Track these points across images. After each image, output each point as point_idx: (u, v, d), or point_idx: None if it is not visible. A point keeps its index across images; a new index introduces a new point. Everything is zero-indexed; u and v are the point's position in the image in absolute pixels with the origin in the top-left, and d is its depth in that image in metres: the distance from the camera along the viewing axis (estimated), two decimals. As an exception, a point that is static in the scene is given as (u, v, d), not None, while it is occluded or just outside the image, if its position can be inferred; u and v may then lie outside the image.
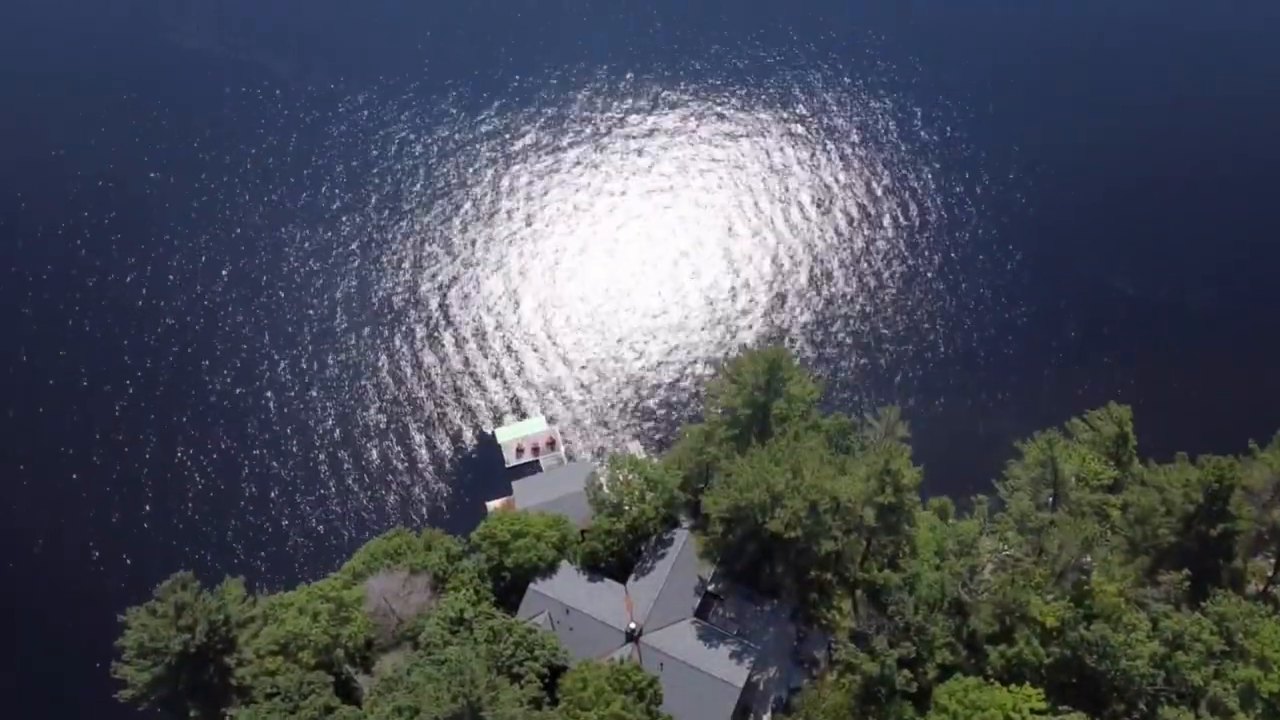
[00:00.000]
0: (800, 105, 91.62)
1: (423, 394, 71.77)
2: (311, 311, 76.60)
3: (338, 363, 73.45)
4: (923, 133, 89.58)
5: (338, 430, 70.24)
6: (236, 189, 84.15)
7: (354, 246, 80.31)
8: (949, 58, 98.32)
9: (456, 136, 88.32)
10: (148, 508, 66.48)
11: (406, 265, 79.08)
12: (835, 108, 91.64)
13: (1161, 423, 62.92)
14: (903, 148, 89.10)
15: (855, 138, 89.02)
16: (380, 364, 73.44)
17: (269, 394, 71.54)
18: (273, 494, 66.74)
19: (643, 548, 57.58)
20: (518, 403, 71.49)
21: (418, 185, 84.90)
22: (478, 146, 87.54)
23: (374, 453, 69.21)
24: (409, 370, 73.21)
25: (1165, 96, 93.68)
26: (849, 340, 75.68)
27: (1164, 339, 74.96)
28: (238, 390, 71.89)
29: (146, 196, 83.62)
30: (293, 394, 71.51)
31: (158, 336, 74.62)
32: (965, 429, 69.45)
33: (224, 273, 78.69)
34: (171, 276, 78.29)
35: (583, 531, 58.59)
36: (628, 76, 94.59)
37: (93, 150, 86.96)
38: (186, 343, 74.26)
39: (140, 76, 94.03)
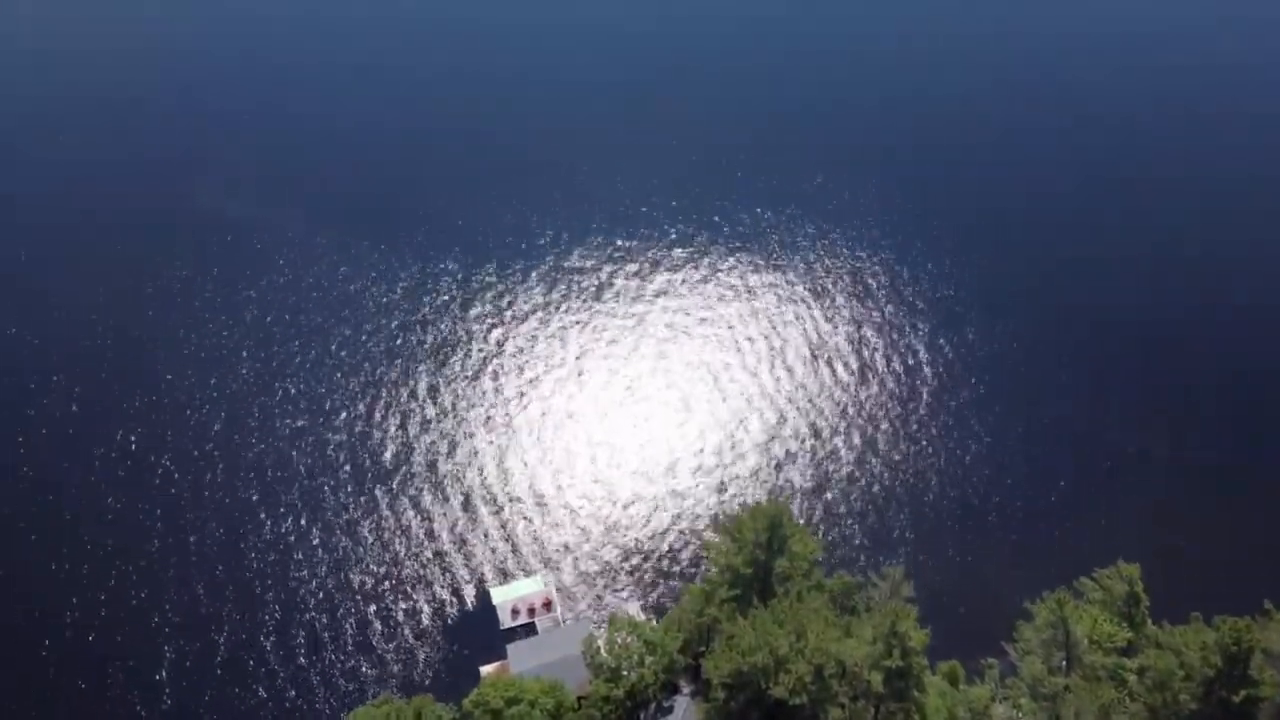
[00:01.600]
0: (790, 263, 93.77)
1: (413, 553, 69.99)
2: (301, 469, 75.65)
3: (324, 521, 71.91)
4: (912, 287, 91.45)
5: (322, 592, 67.93)
6: (235, 343, 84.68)
7: (346, 403, 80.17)
8: (936, 209, 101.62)
9: (454, 294, 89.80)
10: (120, 675, 63.49)
11: (397, 422, 78.71)
12: (825, 265, 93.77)
13: (1172, 581, 61.53)
14: (893, 303, 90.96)
15: (846, 294, 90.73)
16: (368, 522, 71.91)
17: (253, 553, 69.57)
18: (250, 662, 63.89)
19: (642, 715, 55.17)
20: (512, 563, 69.72)
21: (413, 341, 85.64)
22: (475, 304, 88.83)
23: (362, 615, 66.70)
24: (398, 529, 71.64)
25: (1151, 247, 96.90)
26: (850, 496, 74.76)
27: (1167, 494, 74.13)
28: (219, 547, 69.98)
29: (145, 346, 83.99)
30: (277, 554, 69.61)
31: (145, 488, 73.22)
32: (971, 588, 67.75)
33: (215, 427, 78.13)
34: (162, 431, 77.48)
35: (579, 698, 56.16)
36: (623, 236, 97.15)
37: (95, 302, 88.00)
38: (174, 496, 72.86)
39: (150, 230, 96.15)
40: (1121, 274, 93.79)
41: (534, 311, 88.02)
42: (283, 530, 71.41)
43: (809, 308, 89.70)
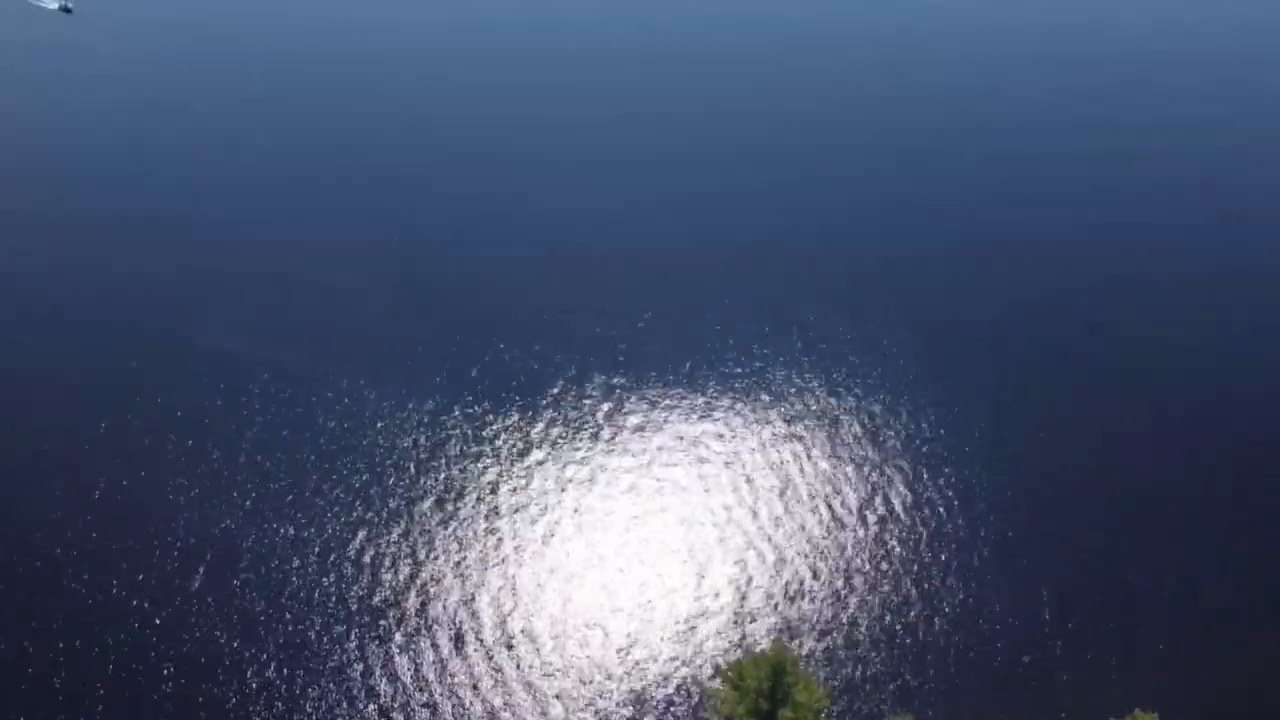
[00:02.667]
0: (790, 399, 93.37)
1: (402, 701, 66.84)
2: (288, 614, 73.04)
3: (307, 671, 68.99)
4: (914, 423, 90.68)
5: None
6: (227, 482, 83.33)
7: (333, 544, 78.16)
8: (942, 349, 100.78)
9: (448, 435, 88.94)
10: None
11: (386, 565, 76.49)
12: (825, 402, 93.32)
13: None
14: (896, 440, 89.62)
15: (848, 432, 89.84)
16: (354, 672, 68.95)
17: (230, 704, 66.51)
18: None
19: None
20: (505, 713, 66.52)
21: (407, 480, 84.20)
22: (470, 447, 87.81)
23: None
24: (385, 673, 68.64)
25: (1163, 368, 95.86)
26: (856, 642, 71.95)
27: (1183, 637, 71.66)
28: (198, 698, 66.92)
29: (136, 488, 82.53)
30: (255, 708, 66.54)
31: (124, 635, 70.35)
32: (984, 738, 64.61)
33: (200, 569, 75.85)
34: (145, 576, 75.22)
35: None
36: (620, 377, 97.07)
37: (91, 444, 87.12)
38: (149, 642, 70.03)
39: (148, 368, 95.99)
40: (1138, 395, 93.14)
41: (531, 451, 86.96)
42: (264, 679, 68.34)
43: (809, 445, 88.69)
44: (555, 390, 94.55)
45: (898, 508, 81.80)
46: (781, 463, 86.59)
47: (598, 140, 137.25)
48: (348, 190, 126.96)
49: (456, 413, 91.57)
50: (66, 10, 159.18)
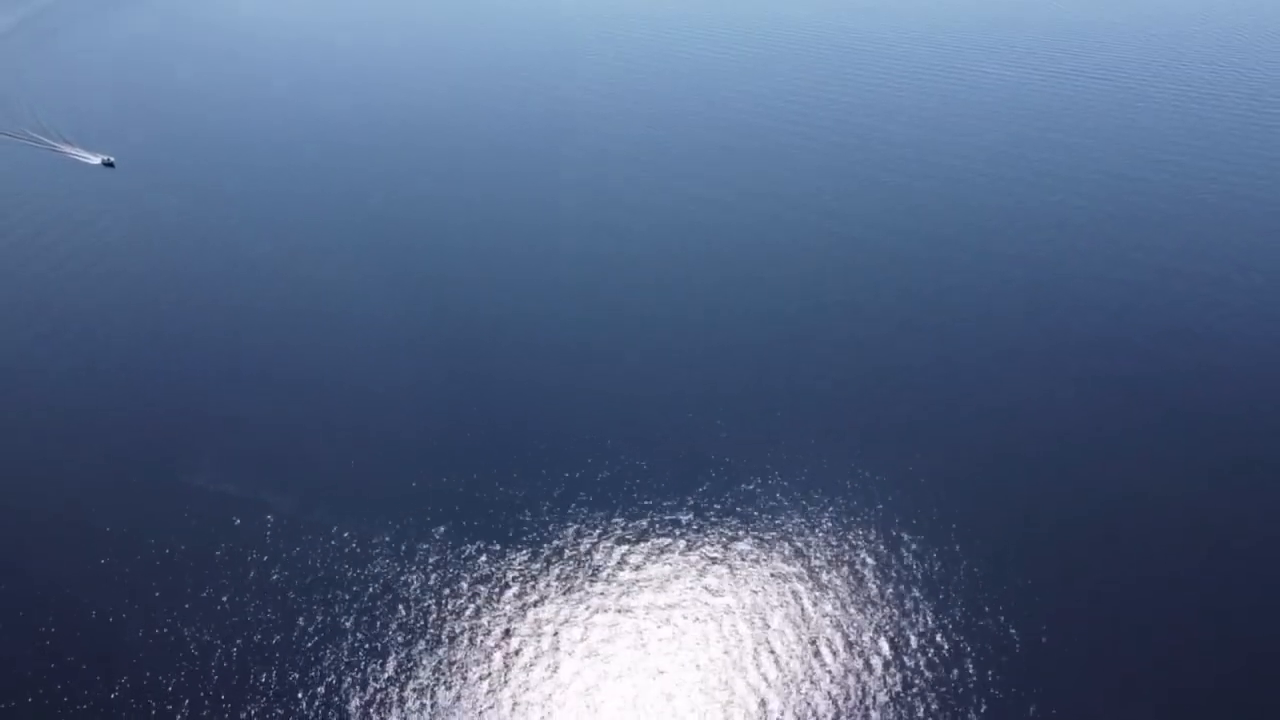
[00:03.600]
0: (791, 541, 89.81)
1: None
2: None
3: None
4: (910, 570, 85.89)
5: None
6: (213, 629, 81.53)
7: (323, 691, 76.58)
8: (955, 486, 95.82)
9: (443, 572, 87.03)
10: None
11: (379, 712, 74.71)
12: (817, 544, 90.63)
13: None
14: (891, 586, 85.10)
15: (841, 578, 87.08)
16: None
17: None
18: None
19: None
20: None
21: (394, 625, 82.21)
22: (469, 595, 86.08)
23: None
24: None
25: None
26: None
27: None
28: None
29: (122, 630, 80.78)
30: None
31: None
32: None
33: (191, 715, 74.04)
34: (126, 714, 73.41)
35: None
36: (620, 515, 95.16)
37: (83, 583, 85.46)
38: None
39: (139, 511, 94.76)
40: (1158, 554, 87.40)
41: (535, 598, 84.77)
42: None
43: (798, 591, 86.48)
44: (557, 532, 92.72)
45: (893, 658, 77.30)
46: (769, 610, 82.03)
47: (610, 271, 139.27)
48: (348, 328, 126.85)
49: (459, 555, 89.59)
50: (109, 165, 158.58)
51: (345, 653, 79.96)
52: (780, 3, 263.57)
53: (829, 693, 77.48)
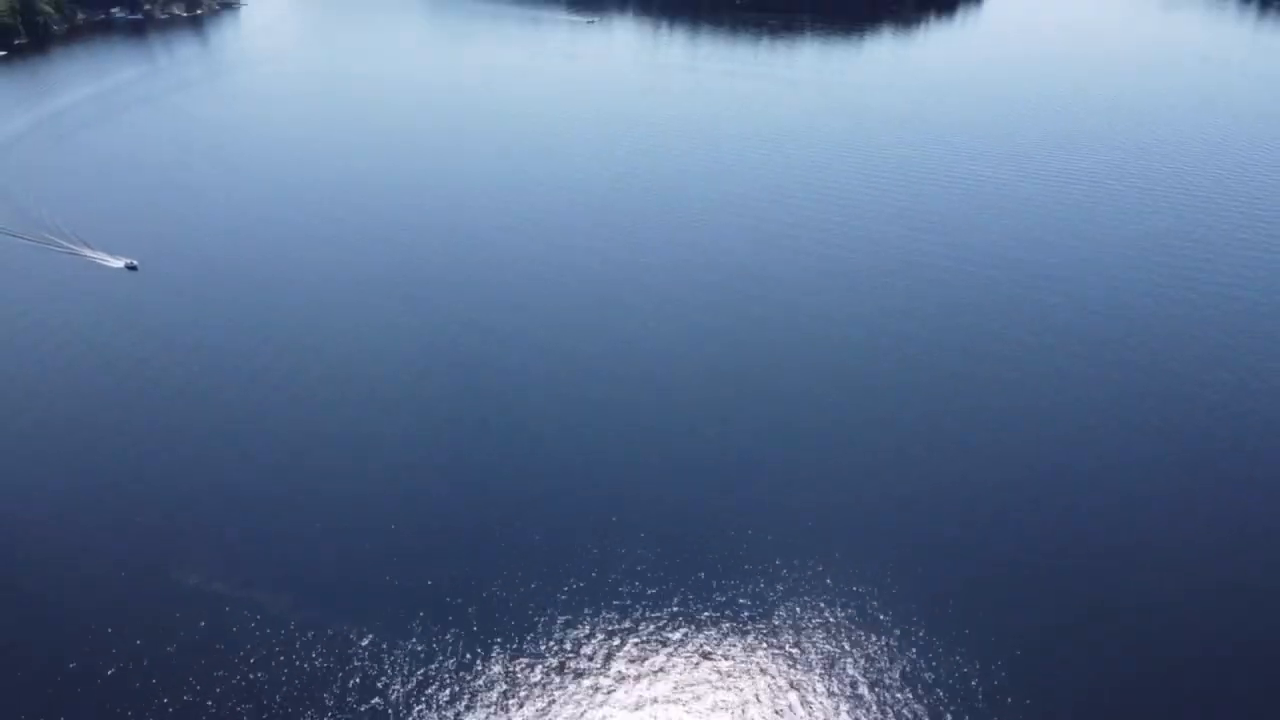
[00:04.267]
0: (794, 650, 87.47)
1: None
2: None
3: None
4: (920, 678, 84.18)
5: None
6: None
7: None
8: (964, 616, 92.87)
9: (448, 677, 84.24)
10: None
11: None
12: (819, 648, 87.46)
13: None
14: (898, 694, 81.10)
15: (845, 688, 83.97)
16: None
17: None
18: None
19: None
20: None
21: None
22: (451, 684, 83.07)
23: None
24: None
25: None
26: None
27: None
28: None
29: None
30: None
31: None
32: None
33: None
34: None
35: None
36: (628, 619, 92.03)
37: (68, 688, 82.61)
38: None
39: (132, 612, 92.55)
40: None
41: (523, 700, 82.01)
42: None
43: (803, 695, 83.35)
44: (548, 631, 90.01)
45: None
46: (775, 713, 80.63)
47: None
48: (347, 416, 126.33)
49: (450, 652, 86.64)
50: (133, 268, 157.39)
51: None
52: (768, 117, 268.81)
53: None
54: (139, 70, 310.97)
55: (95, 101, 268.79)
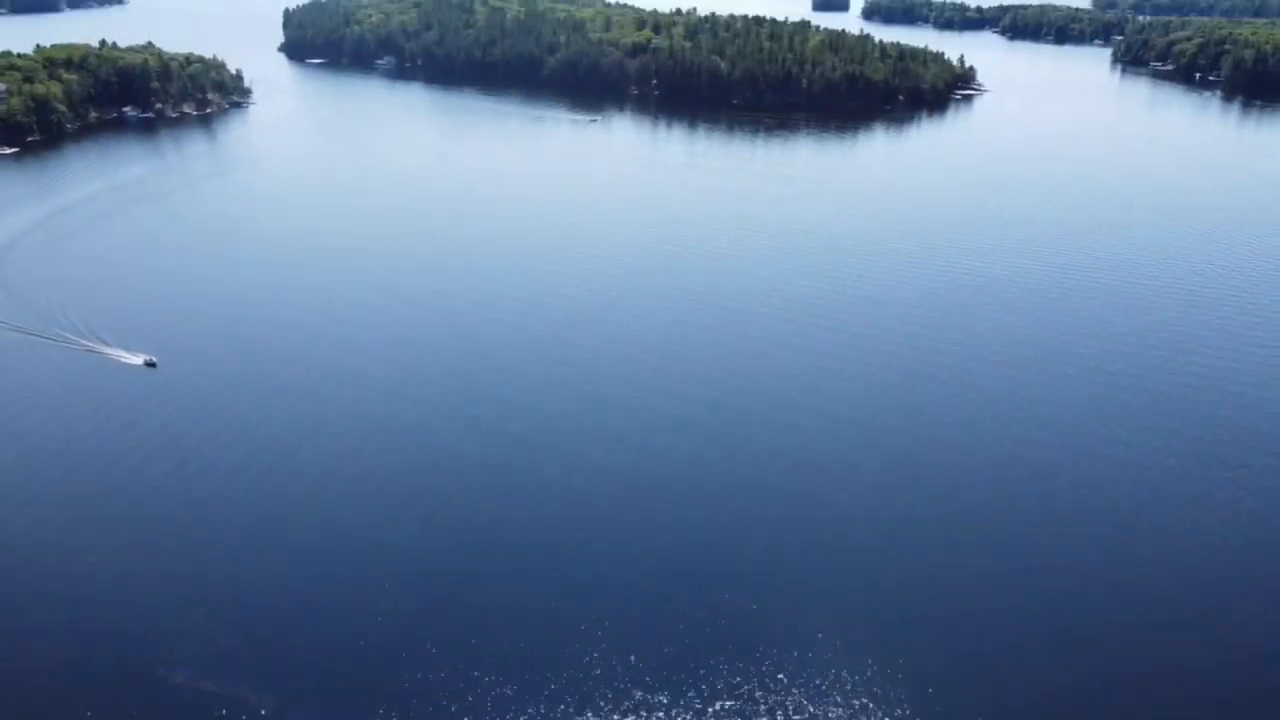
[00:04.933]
0: None
1: None
2: None
3: None
4: None
5: None
6: None
7: None
8: None
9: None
10: None
11: None
12: None
13: None
14: None
15: None
16: None
17: None
18: None
19: None
20: None
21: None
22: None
23: None
24: None
25: None
26: None
27: None
28: None
29: None
30: None
31: None
32: None
33: None
34: None
35: None
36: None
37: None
38: None
39: (110, 701, 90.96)
40: None
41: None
42: None
43: None
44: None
45: None
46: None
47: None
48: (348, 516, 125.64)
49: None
50: (151, 365, 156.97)
51: None
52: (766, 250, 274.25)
53: None
54: (149, 166, 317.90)
55: (105, 196, 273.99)
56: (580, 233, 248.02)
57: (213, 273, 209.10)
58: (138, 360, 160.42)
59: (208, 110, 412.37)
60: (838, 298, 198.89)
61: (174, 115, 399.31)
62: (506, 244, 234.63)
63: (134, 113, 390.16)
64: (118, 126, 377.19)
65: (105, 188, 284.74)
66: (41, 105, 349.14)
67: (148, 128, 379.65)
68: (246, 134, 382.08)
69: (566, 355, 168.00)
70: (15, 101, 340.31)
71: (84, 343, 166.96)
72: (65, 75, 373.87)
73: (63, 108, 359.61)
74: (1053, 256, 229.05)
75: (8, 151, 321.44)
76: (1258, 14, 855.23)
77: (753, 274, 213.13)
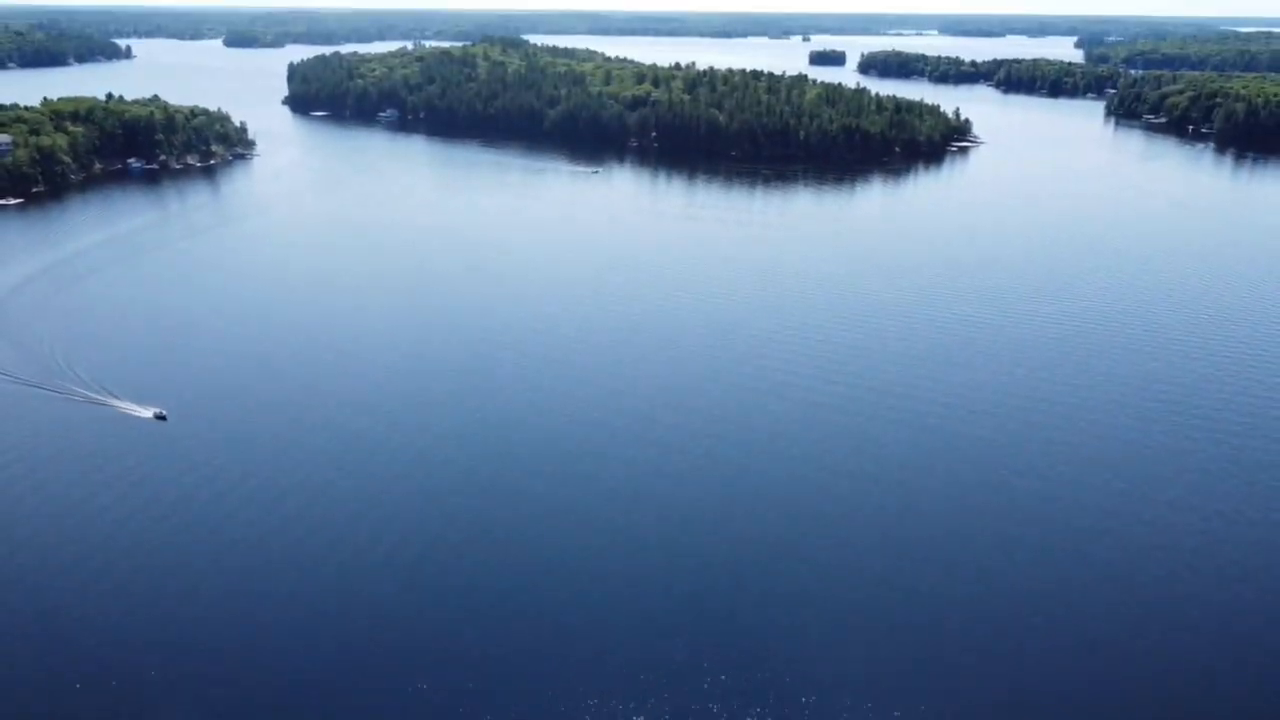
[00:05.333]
0: None
1: None
2: None
3: None
4: None
5: None
6: None
7: None
8: None
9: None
10: None
11: None
12: None
13: None
14: None
15: None
16: None
17: None
18: None
19: None
20: None
21: None
22: None
23: None
24: None
25: None
26: None
27: None
28: None
29: None
30: None
31: None
32: None
33: None
34: None
35: None
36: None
37: None
38: None
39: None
40: None
41: None
42: None
43: None
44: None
45: None
46: None
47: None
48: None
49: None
50: (161, 418, 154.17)
51: None
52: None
53: None
54: (151, 216, 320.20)
55: (107, 246, 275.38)
56: (581, 281, 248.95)
57: (217, 323, 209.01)
58: (147, 413, 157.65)
59: (211, 161, 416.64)
60: (835, 347, 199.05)
61: (178, 166, 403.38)
62: (511, 293, 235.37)
63: (138, 164, 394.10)
64: (121, 177, 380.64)
65: (107, 238, 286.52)
66: (47, 157, 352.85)
67: (151, 179, 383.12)
68: (249, 184, 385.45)
69: (572, 411, 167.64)
70: (21, 153, 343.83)
71: (92, 395, 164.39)
72: (71, 127, 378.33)
73: (68, 159, 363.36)
74: (1048, 305, 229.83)
75: (12, 202, 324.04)
76: (1248, 68, 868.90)
77: (749, 324, 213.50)
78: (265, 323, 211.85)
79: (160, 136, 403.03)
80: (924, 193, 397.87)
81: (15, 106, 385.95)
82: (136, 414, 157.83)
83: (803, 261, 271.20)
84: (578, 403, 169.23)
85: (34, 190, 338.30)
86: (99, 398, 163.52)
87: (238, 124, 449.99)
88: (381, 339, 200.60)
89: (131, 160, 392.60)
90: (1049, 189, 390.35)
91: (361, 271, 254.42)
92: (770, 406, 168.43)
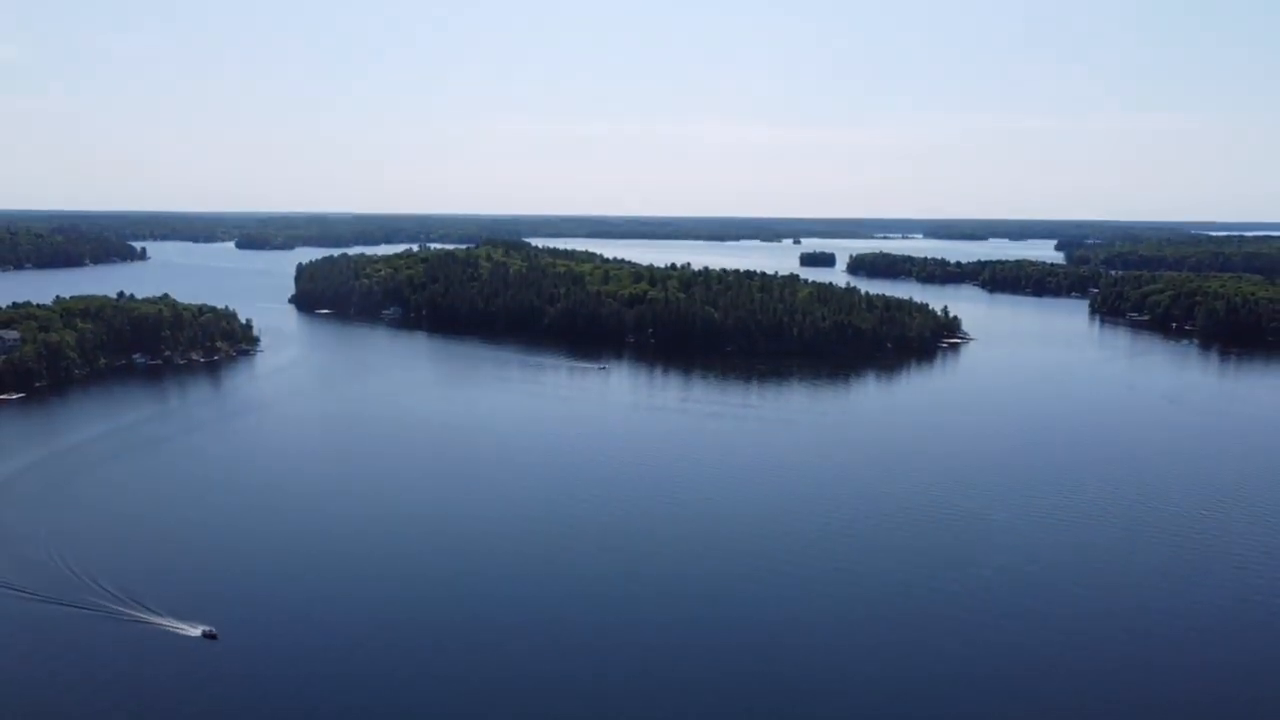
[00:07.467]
0: None
1: None
2: None
3: None
4: None
5: None
6: None
7: None
8: None
9: None
10: None
11: None
12: None
13: None
14: None
15: None
16: None
17: None
18: None
19: None
20: None
21: None
22: None
23: None
24: None
25: None
26: None
27: None
28: None
29: None
30: None
31: None
32: None
33: None
34: None
35: None
36: None
37: None
38: None
39: None
40: None
41: None
42: None
43: None
44: None
45: None
46: None
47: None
48: None
49: None
50: (211, 637, 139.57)
51: None
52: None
53: None
54: (149, 411, 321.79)
55: (106, 440, 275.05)
56: (582, 471, 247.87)
57: (232, 523, 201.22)
58: (195, 631, 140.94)
59: (215, 357, 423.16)
60: (830, 537, 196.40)
61: (181, 362, 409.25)
62: (517, 486, 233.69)
63: (142, 359, 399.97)
64: (125, 372, 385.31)
65: (106, 431, 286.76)
66: (53, 352, 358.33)
67: (155, 373, 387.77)
68: (252, 379, 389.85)
69: (577, 605, 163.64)
70: (28, 348, 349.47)
71: (130, 613, 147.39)
72: (81, 324, 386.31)
73: (74, 354, 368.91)
74: (1045, 499, 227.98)
75: (14, 397, 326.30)
76: (1223, 268, 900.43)
77: (745, 515, 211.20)
78: (274, 518, 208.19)
79: (166, 333, 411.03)
80: (919, 388, 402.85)
81: (28, 304, 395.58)
82: (183, 632, 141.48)
83: (794, 453, 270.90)
84: (580, 599, 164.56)
85: (36, 384, 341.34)
86: (138, 615, 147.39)
87: (243, 321, 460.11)
88: (408, 540, 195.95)
89: (136, 355, 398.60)
90: (1042, 386, 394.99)
91: (364, 467, 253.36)
92: (767, 598, 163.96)
